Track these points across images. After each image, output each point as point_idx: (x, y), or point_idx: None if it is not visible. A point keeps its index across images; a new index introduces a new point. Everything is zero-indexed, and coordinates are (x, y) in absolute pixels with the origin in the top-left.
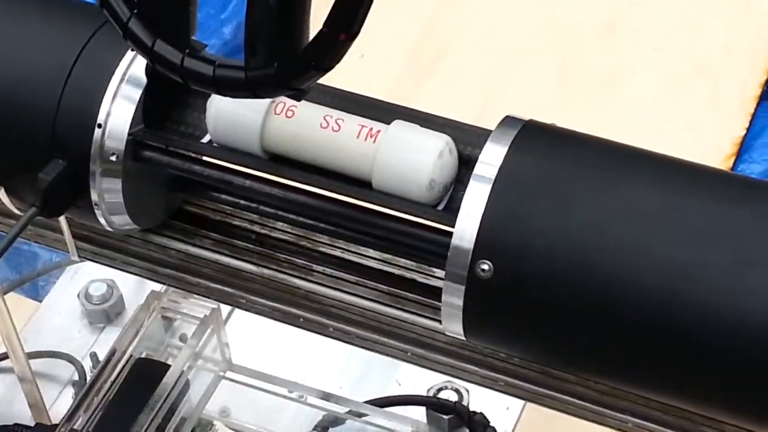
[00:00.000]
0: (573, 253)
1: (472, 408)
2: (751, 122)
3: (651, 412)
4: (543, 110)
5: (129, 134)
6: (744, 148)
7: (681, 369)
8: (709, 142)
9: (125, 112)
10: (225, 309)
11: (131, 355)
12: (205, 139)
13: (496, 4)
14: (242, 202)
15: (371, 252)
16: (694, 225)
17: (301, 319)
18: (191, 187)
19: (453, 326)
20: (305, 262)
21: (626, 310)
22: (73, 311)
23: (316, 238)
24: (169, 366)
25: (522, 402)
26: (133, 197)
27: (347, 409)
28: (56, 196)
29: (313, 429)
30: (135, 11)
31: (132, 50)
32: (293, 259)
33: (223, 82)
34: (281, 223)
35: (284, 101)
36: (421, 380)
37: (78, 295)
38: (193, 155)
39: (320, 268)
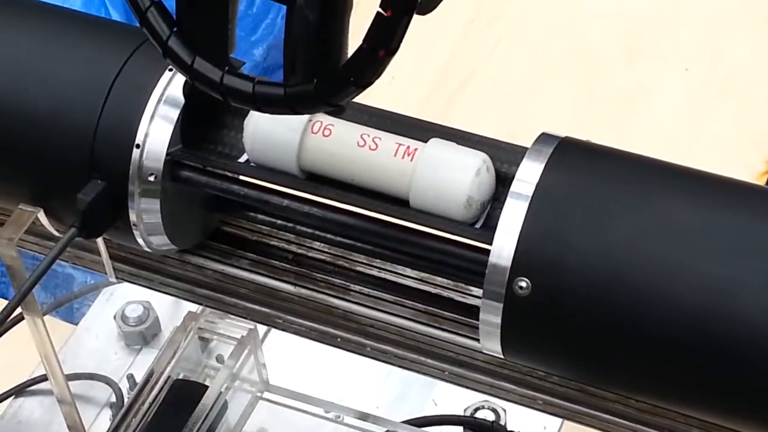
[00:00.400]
0: (610, 270)
1: (509, 427)
2: None
3: (690, 430)
4: (569, 130)
5: (167, 154)
6: None
7: (718, 386)
8: (739, 160)
9: (163, 132)
10: (261, 329)
11: (169, 377)
12: (243, 159)
13: (521, 28)
14: (279, 221)
15: (408, 271)
16: (730, 241)
17: (339, 339)
18: (228, 206)
19: (491, 344)
20: (342, 282)
21: (663, 326)
22: (110, 333)
23: (354, 257)
24: (207, 387)
25: (560, 421)
26: (171, 217)
27: (384, 429)
28: (95, 217)
29: None
30: (174, 29)
31: (170, 70)
32: (330, 278)
33: (262, 99)
34: (318, 243)
35: (321, 120)
36: (458, 400)
37: (114, 317)
38: (230, 175)
39: (357, 288)
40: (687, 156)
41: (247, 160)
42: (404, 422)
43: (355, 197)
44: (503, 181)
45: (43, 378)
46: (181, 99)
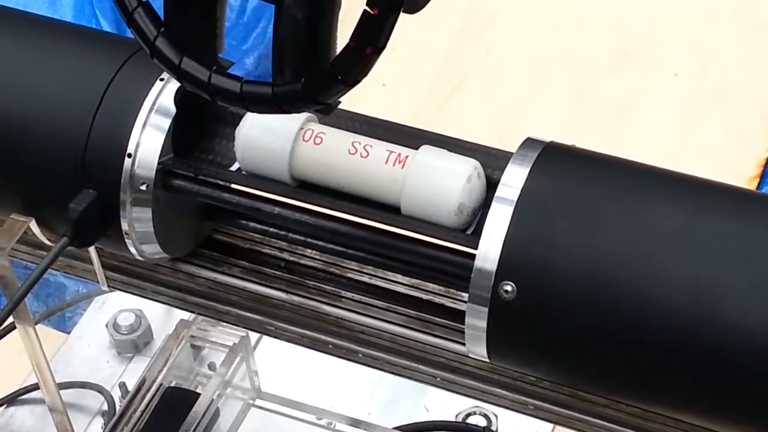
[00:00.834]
0: (595, 274)
1: None
2: None
3: None
4: (561, 136)
5: (159, 163)
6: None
7: (704, 389)
8: (729, 165)
9: (155, 141)
10: (253, 336)
11: (161, 384)
12: (234, 167)
13: (513, 34)
14: (271, 229)
15: (399, 277)
16: (716, 244)
17: (331, 346)
18: (220, 215)
19: (477, 348)
20: (334, 289)
21: (648, 330)
22: (102, 341)
23: (345, 264)
24: (199, 395)
25: (551, 426)
26: (163, 226)
27: None
28: (87, 226)
29: None
30: (162, 30)
31: (161, 80)
32: (322, 285)
33: (250, 98)
34: (310, 250)
35: (312, 128)
36: (449, 406)
37: (106, 326)
38: (222, 183)
39: (349, 295)
40: (678, 160)
41: (239, 168)
42: (396, 428)
43: (347, 205)
44: (494, 188)
45: (35, 387)
46: (173, 108)
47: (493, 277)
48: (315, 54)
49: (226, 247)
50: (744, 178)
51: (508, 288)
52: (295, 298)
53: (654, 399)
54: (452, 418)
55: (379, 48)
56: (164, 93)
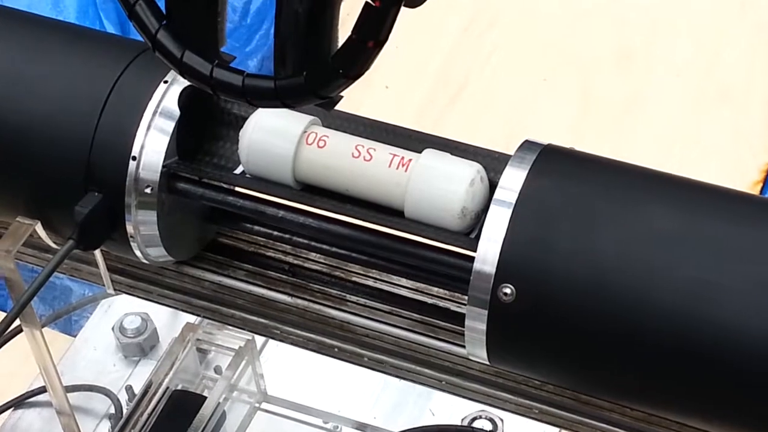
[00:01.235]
0: (594, 276)
1: None
2: None
3: None
4: (565, 138)
5: (163, 166)
6: None
7: (702, 391)
8: (734, 169)
9: (159, 144)
10: (259, 340)
11: (167, 388)
12: (238, 170)
13: (516, 36)
14: (275, 232)
15: (404, 281)
16: (715, 247)
17: (336, 349)
18: (224, 218)
19: (477, 351)
20: (339, 292)
21: (649, 332)
22: (108, 345)
23: (350, 268)
24: (205, 398)
25: (556, 430)
26: (168, 229)
27: None
28: (92, 229)
29: None
30: (163, 23)
31: (165, 82)
32: (327, 289)
33: (252, 92)
34: (314, 254)
35: (316, 131)
36: (455, 410)
37: (112, 329)
38: (226, 186)
39: (354, 298)
40: (682, 164)
41: (243, 171)
42: None
43: (351, 208)
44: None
45: (42, 390)
46: (177, 111)
47: (492, 279)
48: (317, 47)
49: (231, 250)
50: (749, 182)
51: (507, 290)
52: (300, 301)
53: (653, 400)
54: (458, 422)
55: (381, 41)
56: (168, 96)
